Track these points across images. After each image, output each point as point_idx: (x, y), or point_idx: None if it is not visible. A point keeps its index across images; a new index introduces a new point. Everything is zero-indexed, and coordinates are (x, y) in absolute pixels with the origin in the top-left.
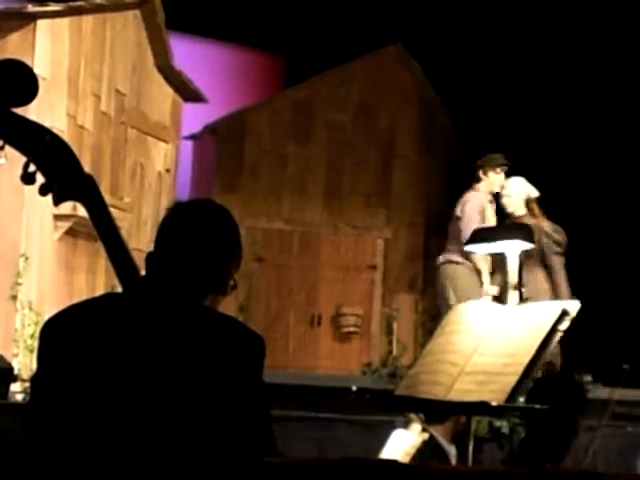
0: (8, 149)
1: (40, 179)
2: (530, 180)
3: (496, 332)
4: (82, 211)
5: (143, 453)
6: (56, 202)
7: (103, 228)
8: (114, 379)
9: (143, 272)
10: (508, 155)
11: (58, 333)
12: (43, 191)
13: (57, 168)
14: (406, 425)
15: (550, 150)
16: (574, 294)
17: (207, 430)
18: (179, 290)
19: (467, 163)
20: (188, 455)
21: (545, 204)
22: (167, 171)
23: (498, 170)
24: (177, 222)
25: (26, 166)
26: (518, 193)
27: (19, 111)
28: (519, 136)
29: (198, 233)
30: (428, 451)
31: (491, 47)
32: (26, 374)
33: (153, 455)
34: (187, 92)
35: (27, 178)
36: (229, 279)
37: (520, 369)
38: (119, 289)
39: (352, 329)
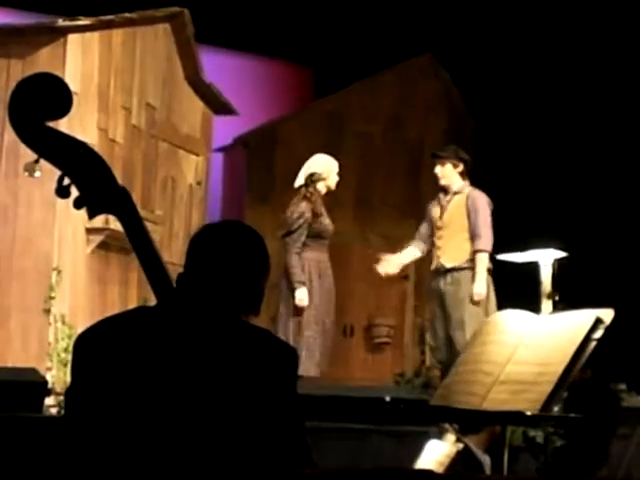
0: (40, 163)
1: (74, 192)
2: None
3: (530, 341)
4: (114, 224)
5: None
6: (90, 215)
7: (137, 241)
8: (148, 391)
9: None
10: (537, 164)
11: (92, 346)
12: (78, 204)
13: (91, 181)
14: (440, 435)
15: (580, 158)
16: (608, 303)
17: (243, 442)
18: (212, 306)
19: (495, 172)
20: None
21: (577, 210)
22: (198, 184)
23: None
24: (207, 244)
25: (60, 179)
26: (305, 167)
27: (50, 125)
28: (548, 145)
29: (228, 255)
30: (462, 461)
31: (521, 57)
32: (60, 388)
33: None
34: (217, 104)
35: (62, 191)
36: (262, 298)
37: (555, 378)
38: (152, 302)
39: (385, 340)
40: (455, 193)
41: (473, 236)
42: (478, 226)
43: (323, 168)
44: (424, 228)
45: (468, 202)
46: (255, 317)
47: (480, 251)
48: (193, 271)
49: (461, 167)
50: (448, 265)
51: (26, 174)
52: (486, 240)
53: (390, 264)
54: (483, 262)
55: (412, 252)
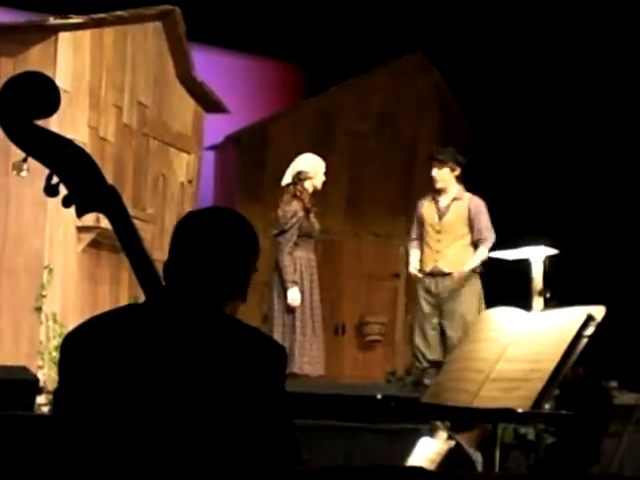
0: (31, 161)
1: (63, 191)
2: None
3: (521, 338)
4: (105, 223)
5: None
6: (79, 214)
7: (126, 239)
8: (136, 390)
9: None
10: (528, 161)
11: (80, 345)
12: (66, 203)
13: (80, 180)
14: (432, 433)
15: (571, 155)
16: (599, 300)
17: (231, 441)
18: (200, 299)
19: (487, 170)
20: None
21: (568, 207)
22: (189, 182)
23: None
24: (192, 230)
25: (49, 178)
26: (292, 166)
27: (41, 123)
28: (539, 143)
29: (214, 239)
30: (454, 459)
31: (511, 54)
32: (51, 386)
33: None
34: (209, 103)
35: (50, 190)
36: (249, 283)
37: (546, 375)
38: (142, 300)
39: (376, 337)
40: (454, 199)
41: (478, 239)
42: (483, 231)
43: (310, 167)
44: (417, 230)
45: (470, 209)
46: (242, 303)
47: (484, 246)
48: (179, 259)
49: (458, 171)
50: (447, 270)
51: (14, 172)
52: (491, 241)
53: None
54: (482, 254)
55: (416, 255)
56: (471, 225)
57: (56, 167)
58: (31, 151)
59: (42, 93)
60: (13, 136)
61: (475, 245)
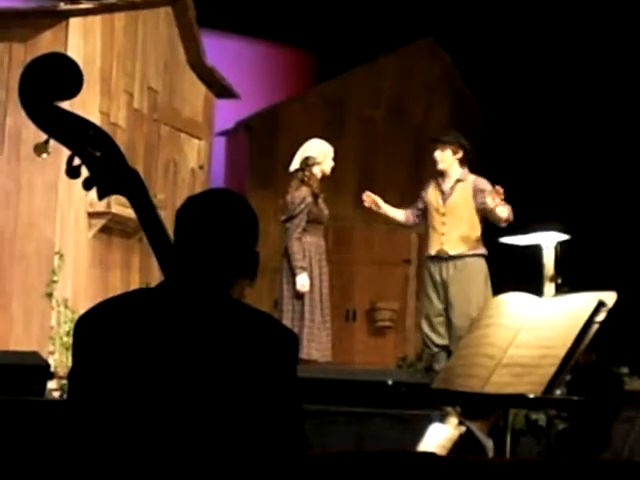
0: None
1: (84, 173)
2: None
3: (532, 324)
4: (116, 208)
5: None
6: (101, 196)
7: (148, 221)
8: (148, 373)
9: None
10: (540, 146)
11: (92, 328)
12: (88, 185)
13: (102, 162)
14: (443, 419)
15: (583, 140)
16: (611, 286)
17: (239, 425)
18: (207, 280)
19: (498, 155)
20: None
21: (580, 192)
22: (200, 167)
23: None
24: (189, 213)
25: (70, 160)
26: (300, 152)
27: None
28: (551, 128)
29: (212, 219)
30: (465, 444)
31: (522, 39)
32: (62, 371)
33: None
34: (219, 88)
35: (72, 172)
36: (257, 263)
37: (557, 361)
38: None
39: (387, 323)
40: (458, 180)
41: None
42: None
43: (318, 152)
44: (415, 208)
45: (475, 188)
46: (251, 282)
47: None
48: (185, 244)
49: (461, 154)
50: (452, 252)
51: (37, 154)
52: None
53: (374, 200)
54: (506, 210)
55: (397, 212)
56: (480, 201)
57: (78, 149)
58: (53, 133)
59: (64, 75)
60: (35, 117)
61: (481, 227)
